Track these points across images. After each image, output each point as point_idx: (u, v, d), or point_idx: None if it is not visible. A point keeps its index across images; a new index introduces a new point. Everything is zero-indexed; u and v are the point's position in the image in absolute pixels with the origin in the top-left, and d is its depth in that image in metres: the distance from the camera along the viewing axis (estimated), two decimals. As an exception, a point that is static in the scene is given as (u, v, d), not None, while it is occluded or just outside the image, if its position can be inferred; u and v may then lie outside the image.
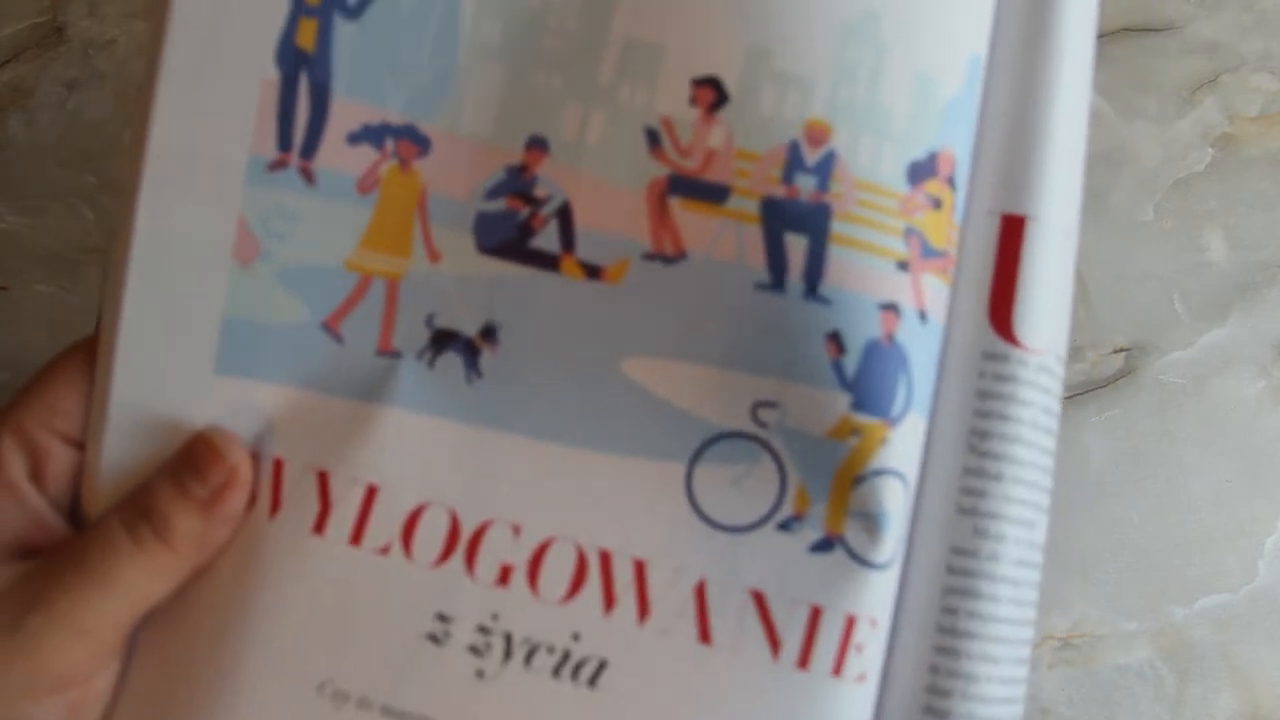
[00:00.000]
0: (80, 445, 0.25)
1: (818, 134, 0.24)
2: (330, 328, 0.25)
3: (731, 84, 0.24)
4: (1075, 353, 0.44)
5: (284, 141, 0.25)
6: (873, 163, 0.24)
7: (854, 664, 0.24)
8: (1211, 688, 0.40)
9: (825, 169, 0.24)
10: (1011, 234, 0.25)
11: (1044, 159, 0.25)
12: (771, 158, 0.24)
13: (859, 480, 0.24)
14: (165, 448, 0.25)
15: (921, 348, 0.25)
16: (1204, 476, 0.42)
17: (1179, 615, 0.41)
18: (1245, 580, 0.41)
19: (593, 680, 0.24)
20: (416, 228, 0.25)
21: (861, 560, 0.24)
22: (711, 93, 0.24)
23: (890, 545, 0.24)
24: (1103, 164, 0.45)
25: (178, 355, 0.25)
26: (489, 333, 0.25)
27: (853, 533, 0.24)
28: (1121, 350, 0.44)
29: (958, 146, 0.25)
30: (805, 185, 0.24)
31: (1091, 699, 0.40)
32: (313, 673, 0.24)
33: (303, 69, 0.24)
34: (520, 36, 0.25)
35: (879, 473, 0.24)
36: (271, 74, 0.24)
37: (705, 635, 0.24)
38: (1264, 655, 0.40)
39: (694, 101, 0.24)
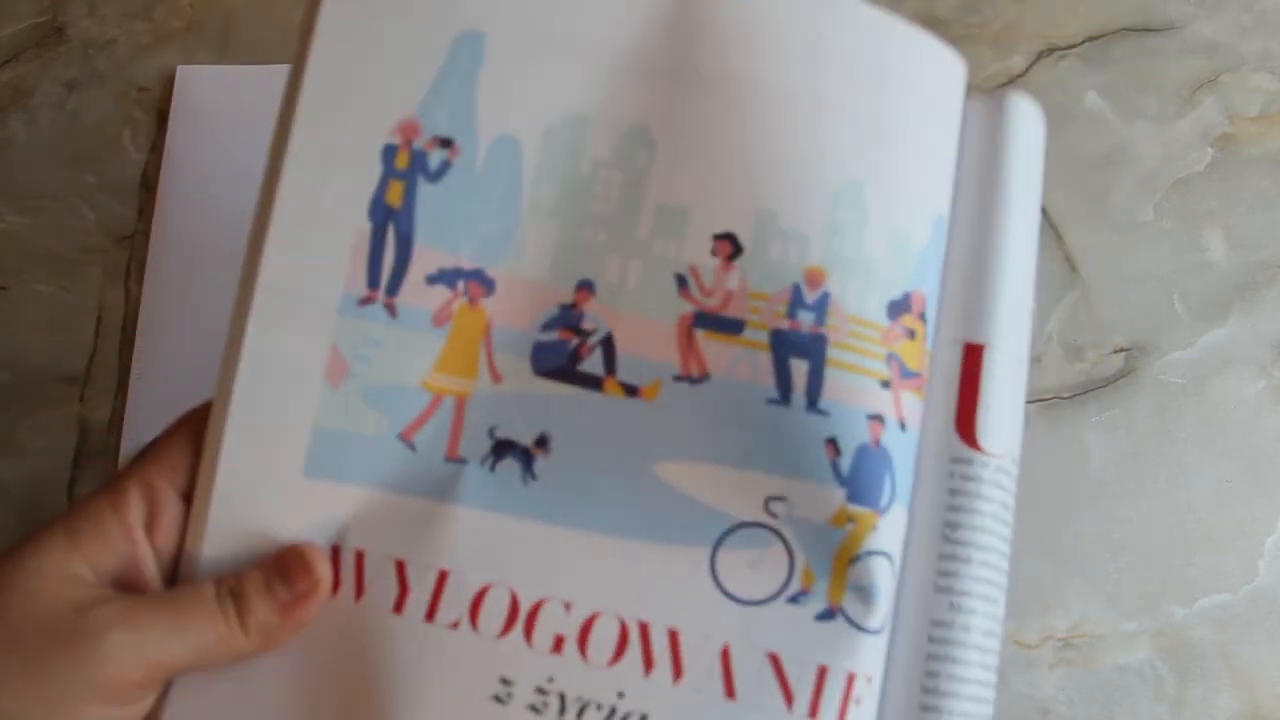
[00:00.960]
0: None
1: (815, 278, 0.29)
2: (405, 439, 0.29)
3: (745, 239, 0.29)
4: (1075, 353, 0.44)
5: (372, 281, 0.29)
6: (859, 301, 0.29)
7: (854, 715, 0.28)
8: (1211, 688, 0.40)
9: (821, 306, 0.29)
10: (972, 359, 0.31)
11: (998, 297, 0.31)
12: (779, 297, 0.29)
13: (854, 560, 0.29)
14: (257, 538, 0.28)
15: (902, 451, 0.30)
16: (1204, 476, 0.42)
17: (1179, 615, 0.41)
18: (1245, 580, 0.41)
19: None
20: (482, 354, 0.30)
21: (858, 626, 0.28)
22: (729, 246, 0.30)
23: (881, 614, 0.29)
24: (1103, 164, 0.46)
25: (273, 459, 0.28)
26: (542, 442, 0.30)
27: (850, 604, 0.29)
28: (1121, 350, 0.44)
29: (927, 287, 0.30)
30: (806, 319, 0.29)
31: (1091, 699, 0.40)
32: None
33: (390, 221, 0.29)
34: (571, 199, 0.30)
35: (870, 553, 0.29)
36: (364, 225, 0.29)
37: (730, 691, 0.28)
38: (1264, 655, 0.40)
39: (715, 253, 0.30)
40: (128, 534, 0.27)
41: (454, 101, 0.29)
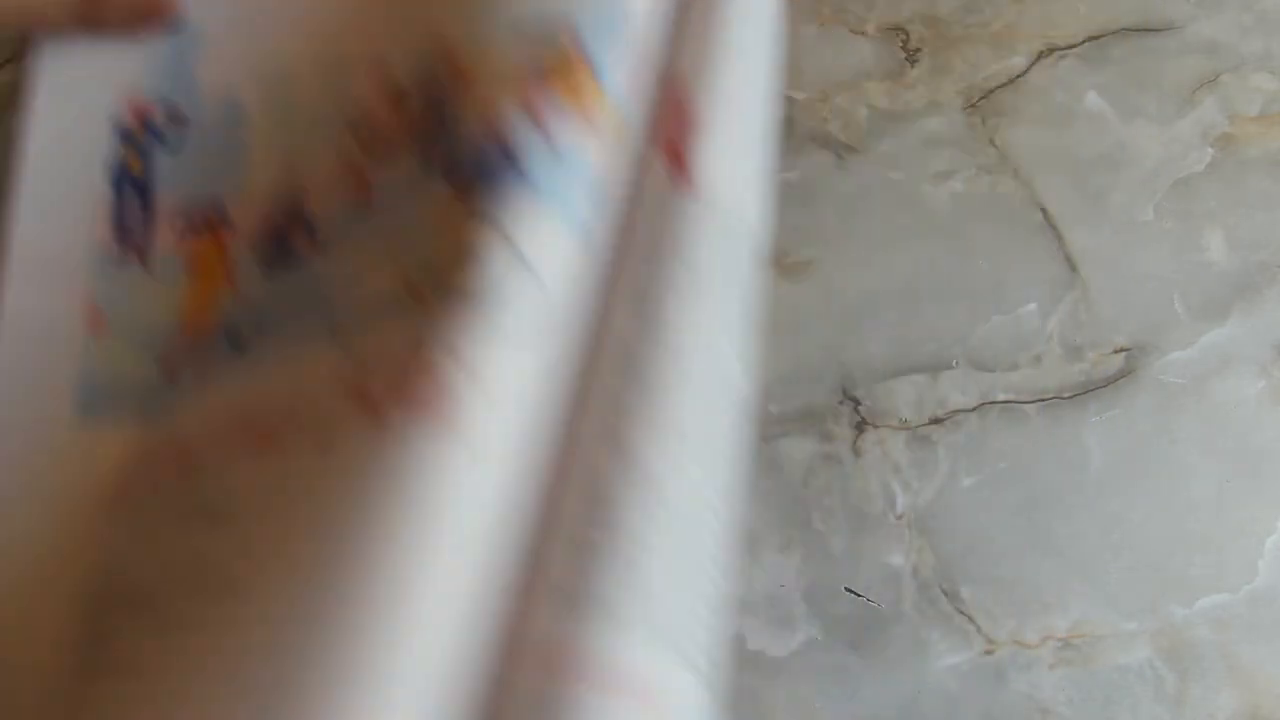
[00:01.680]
0: None
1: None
2: (167, 373, 0.33)
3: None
4: (1075, 353, 0.44)
5: (121, 236, 0.34)
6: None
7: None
8: (1211, 688, 0.40)
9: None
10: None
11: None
12: None
13: None
14: (27, 487, 0.31)
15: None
16: (1204, 476, 0.42)
17: (1179, 615, 0.41)
18: (1245, 580, 0.41)
19: None
20: (224, 278, 0.34)
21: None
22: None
23: None
24: (1103, 164, 0.45)
25: (41, 410, 0.31)
26: (261, 325, 0.32)
27: None
28: (1121, 350, 0.44)
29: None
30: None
31: (1091, 699, 0.40)
32: None
33: (132, 183, 0.34)
34: (287, 125, 0.35)
35: None
36: (108, 189, 0.34)
37: None
38: (1264, 655, 0.40)
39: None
40: None
41: (177, 77, 0.35)
